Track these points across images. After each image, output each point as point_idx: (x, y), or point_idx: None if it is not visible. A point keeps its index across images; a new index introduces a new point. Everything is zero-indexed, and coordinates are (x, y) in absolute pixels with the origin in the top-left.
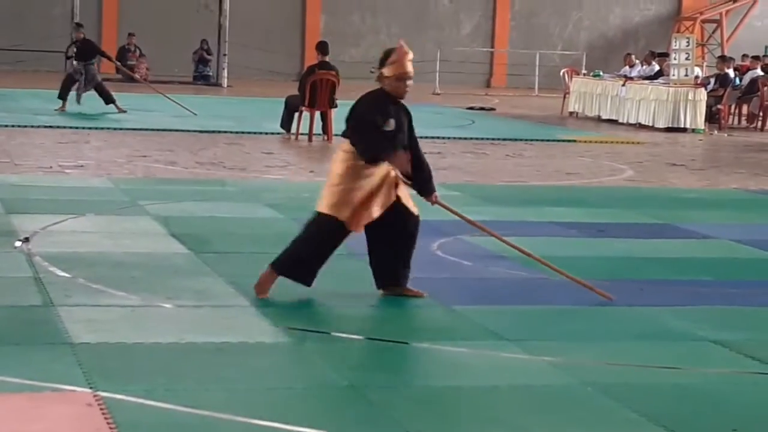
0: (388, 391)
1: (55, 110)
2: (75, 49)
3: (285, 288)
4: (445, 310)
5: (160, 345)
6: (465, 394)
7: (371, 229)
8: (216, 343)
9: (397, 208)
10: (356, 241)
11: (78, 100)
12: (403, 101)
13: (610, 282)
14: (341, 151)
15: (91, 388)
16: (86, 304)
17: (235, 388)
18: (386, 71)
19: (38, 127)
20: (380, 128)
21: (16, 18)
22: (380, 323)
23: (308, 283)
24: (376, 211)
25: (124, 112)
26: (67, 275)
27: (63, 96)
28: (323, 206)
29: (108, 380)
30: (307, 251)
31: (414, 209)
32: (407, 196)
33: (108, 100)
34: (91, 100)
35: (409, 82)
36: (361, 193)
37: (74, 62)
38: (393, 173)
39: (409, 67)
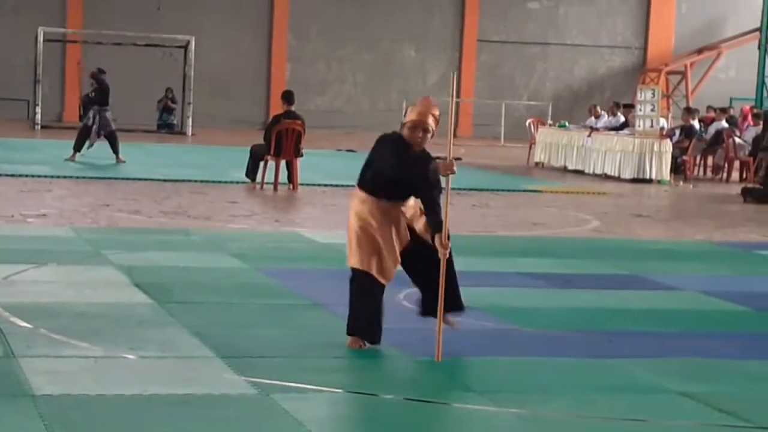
0: None
1: (66, 159)
2: (94, 94)
3: (249, 339)
4: (412, 362)
5: (123, 397)
6: None
7: (406, 265)
8: (179, 395)
9: (416, 241)
10: (321, 291)
11: (89, 145)
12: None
13: (578, 333)
14: (355, 198)
15: None
16: (48, 355)
17: None
18: (406, 117)
19: (0, 175)
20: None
21: None
22: (346, 375)
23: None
24: (396, 255)
25: (123, 162)
26: (28, 326)
27: (78, 147)
28: (354, 261)
29: None
30: (366, 310)
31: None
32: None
33: (115, 149)
34: (53, 148)
35: (424, 132)
36: (383, 241)
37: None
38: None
39: (422, 117)
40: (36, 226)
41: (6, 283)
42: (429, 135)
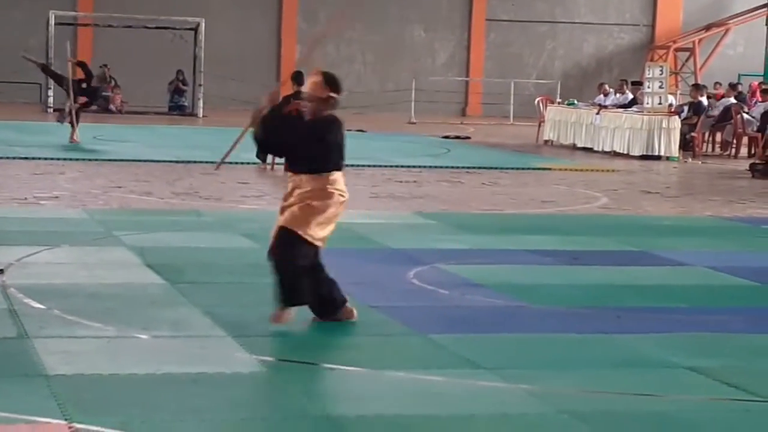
0: (365, 420)
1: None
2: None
3: (260, 318)
4: (421, 339)
5: (136, 376)
6: (442, 423)
7: None
8: (192, 373)
9: None
10: (330, 270)
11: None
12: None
13: (587, 309)
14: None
15: (66, 420)
16: (61, 336)
17: (211, 418)
18: None
19: (13, 158)
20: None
21: None
22: (356, 352)
23: None
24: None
25: (76, 142)
26: (42, 307)
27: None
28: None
29: (83, 412)
30: None
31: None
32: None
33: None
34: (65, 130)
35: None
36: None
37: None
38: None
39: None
40: (49, 208)
41: (19, 265)
42: (308, 104)
